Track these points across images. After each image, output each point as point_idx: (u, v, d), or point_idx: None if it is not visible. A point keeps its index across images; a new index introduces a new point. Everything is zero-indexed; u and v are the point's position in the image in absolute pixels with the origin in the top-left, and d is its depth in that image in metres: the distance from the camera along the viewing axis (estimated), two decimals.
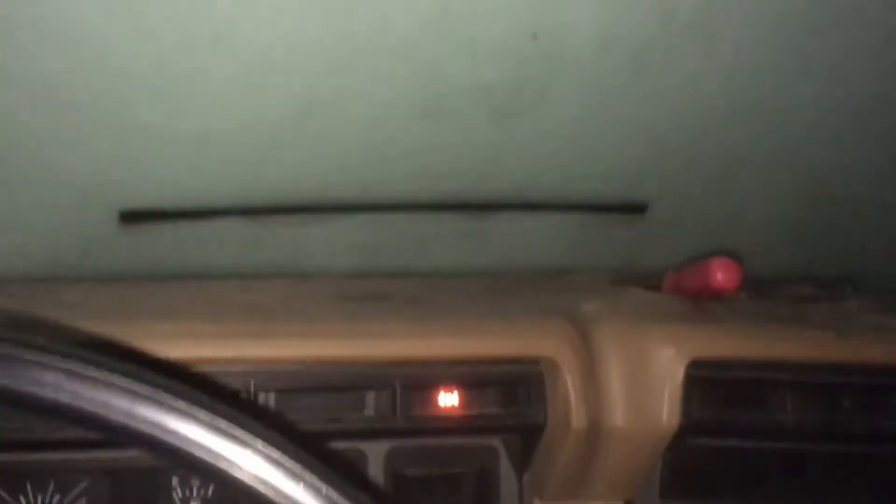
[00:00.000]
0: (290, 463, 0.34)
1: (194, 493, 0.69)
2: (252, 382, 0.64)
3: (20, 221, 0.76)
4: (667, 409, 0.66)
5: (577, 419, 0.66)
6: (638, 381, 0.67)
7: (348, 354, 0.66)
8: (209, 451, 0.33)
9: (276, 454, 0.34)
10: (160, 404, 0.32)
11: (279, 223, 0.81)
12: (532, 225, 0.85)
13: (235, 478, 0.34)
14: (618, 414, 0.66)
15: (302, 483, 0.33)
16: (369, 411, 0.67)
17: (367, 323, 0.68)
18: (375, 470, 0.71)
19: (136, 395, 0.33)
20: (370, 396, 0.67)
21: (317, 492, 0.33)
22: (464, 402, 0.67)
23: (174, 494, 0.69)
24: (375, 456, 0.71)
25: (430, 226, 0.84)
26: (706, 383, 0.67)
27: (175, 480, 0.68)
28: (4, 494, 0.66)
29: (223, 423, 0.33)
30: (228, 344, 0.64)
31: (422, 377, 0.67)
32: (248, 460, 0.33)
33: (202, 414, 0.32)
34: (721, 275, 0.68)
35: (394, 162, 0.80)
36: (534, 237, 0.86)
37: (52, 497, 0.66)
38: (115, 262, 0.80)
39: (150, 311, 0.68)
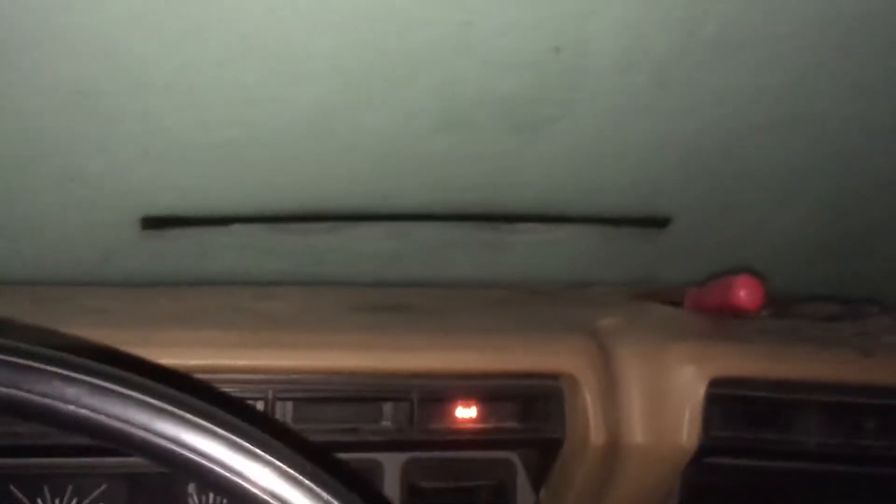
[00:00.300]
0: (307, 481, 0.33)
1: (210, 500, 0.69)
2: (270, 391, 0.64)
3: (43, 227, 0.76)
4: (687, 428, 0.66)
5: (596, 436, 0.66)
6: (658, 399, 0.66)
7: (366, 366, 0.66)
8: (225, 466, 0.33)
9: (292, 471, 0.33)
10: (178, 419, 0.32)
11: (298, 231, 0.81)
12: (552, 237, 0.85)
13: (251, 493, 0.33)
14: (637, 432, 0.66)
15: (319, 500, 0.33)
16: (386, 423, 0.67)
17: (386, 334, 0.68)
18: (392, 481, 0.71)
19: (154, 410, 0.33)
20: (387, 408, 0.67)
21: None
22: (481, 415, 0.67)
23: (190, 501, 0.69)
24: (392, 467, 0.71)
25: (449, 237, 0.84)
26: (727, 402, 0.67)
27: (192, 487, 0.69)
28: (24, 498, 0.66)
29: (240, 439, 0.33)
30: (247, 353, 0.64)
31: (439, 390, 0.66)
32: (263, 476, 0.33)
33: (220, 429, 0.32)
34: (744, 292, 0.68)
35: (413, 172, 0.80)
36: (553, 250, 0.85)
37: (70, 501, 0.67)
38: (136, 268, 0.80)
39: (171, 319, 0.68)
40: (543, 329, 0.70)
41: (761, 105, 0.75)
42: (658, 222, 0.85)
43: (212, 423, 0.32)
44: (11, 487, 0.66)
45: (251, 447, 0.32)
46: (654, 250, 0.86)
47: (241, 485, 0.33)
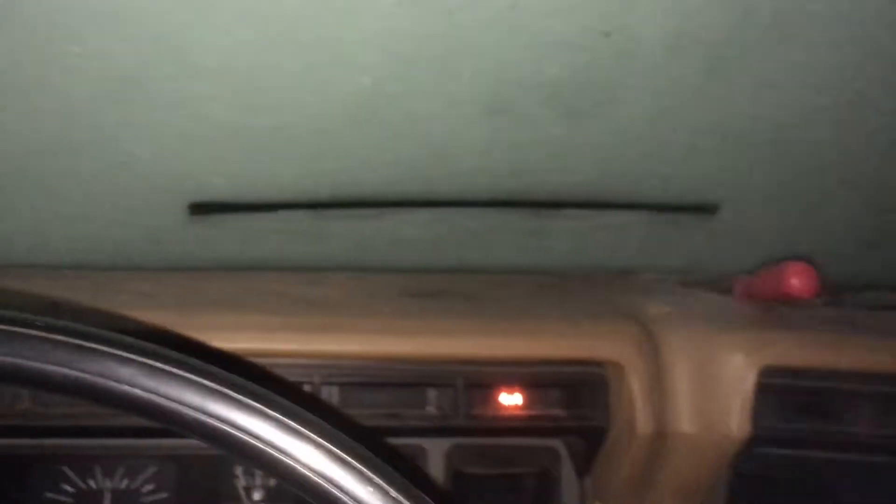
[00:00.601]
0: (358, 463, 0.33)
1: (257, 482, 0.70)
2: (316, 376, 0.65)
3: (93, 213, 0.77)
4: (736, 418, 0.65)
5: (642, 424, 0.65)
6: (707, 388, 0.65)
7: (412, 351, 0.66)
8: (277, 447, 0.33)
9: (344, 454, 0.33)
10: (231, 401, 0.32)
11: (343, 217, 0.81)
12: (597, 224, 0.84)
13: (302, 475, 0.34)
14: (685, 421, 0.65)
15: (370, 485, 0.33)
16: (431, 409, 0.67)
17: (431, 320, 0.68)
18: (436, 467, 0.71)
19: (208, 392, 0.33)
20: (432, 394, 0.67)
21: (384, 494, 0.33)
22: (526, 402, 0.67)
23: (237, 482, 0.70)
24: (436, 453, 0.71)
25: (494, 223, 0.84)
26: (778, 392, 0.66)
27: (238, 469, 0.69)
28: (76, 479, 0.68)
29: (293, 422, 0.33)
30: (294, 337, 0.65)
31: (484, 376, 0.66)
32: (315, 458, 0.33)
33: (273, 411, 0.32)
34: (797, 280, 0.66)
35: (459, 158, 0.79)
36: (599, 236, 0.84)
37: (121, 481, 0.68)
38: (183, 254, 0.81)
39: (218, 303, 0.69)
40: (590, 316, 0.69)
41: (816, 89, 0.73)
42: (706, 209, 0.83)
43: (265, 404, 0.32)
44: (64, 468, 0.68)
45: (303, 429, 0.32)
46: (702, 238, 0.85)
47: (292, 466, 0.33)
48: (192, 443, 0.68)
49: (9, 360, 0.31)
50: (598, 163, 0.80)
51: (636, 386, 0.65)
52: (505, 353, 0.66)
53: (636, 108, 0.75)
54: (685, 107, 0.75)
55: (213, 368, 0.33)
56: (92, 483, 0.67)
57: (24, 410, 0.61)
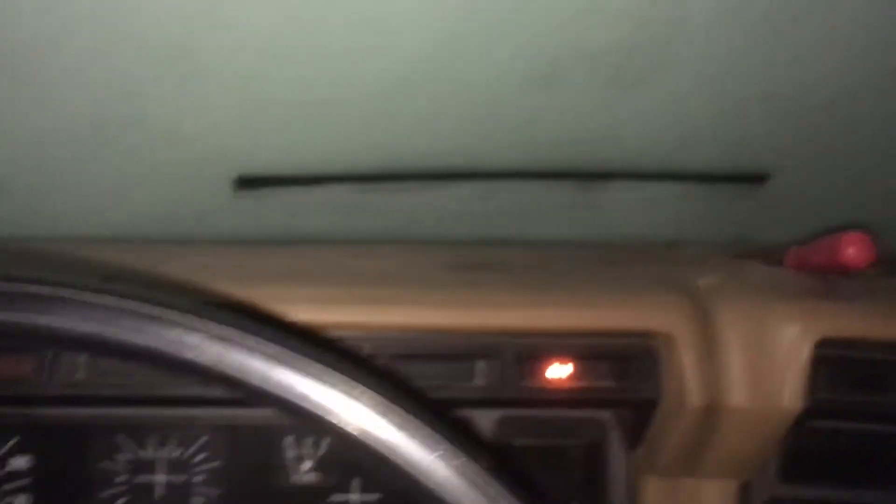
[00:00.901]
0: (424, 431, 0.33)
1: (306, 453, 0.71)
2: (365, 348, 0.65)
3: (140, 186, 0.78)
4: (790, 390, 0.64)
5: (693, 397, 0.64)
6: (760, 360, 0.64)
7: (460, 323, 0.66)
8: (341, 417, 0.33)
9: (409, 422, 0.33)
10: (297, 368, 0.32)
11: (389, 191, 0.81)
12: (646, 195, 0.83)
13: (365, 442, 0.34)
14: (737, 393, 0.64)
15: (436, 452, 0.33)
16: (479, 381, 0.66)
17: (479, 292, 0.68)
18: (484, 439, 0.71)
19: (273, 359, 0.33)
20: (480, 365, 0.66)
21: (449, 461, 0.33)
22: (575, 374, 0.66)
23: (287, 453, 0.71)
24: (484, 425, 0.71)
25: (540, 195, 0.83)
26: (834, 364, 0.64)
27: (290, 439, 0.70)
28: (130, 448, 0.69)
29: (357, 389, 0.33)
30: (342, 309, 0.65)
31: (533, 348, 0.66)
32: (378, 426, 0.33)
33: (337, 379, 0.32)
34: (853, 250, 0.64)
35: (505, 129, 0.78)
36: (648, 208, 0.83)
37: (173, 450, 0.69)
38: (229, 227, 0.82)
39: (266, 276, 0.70)
40: (640, 286, 0.68)
41: (872, 53, 0.71)
42: (757, 178, 0.82)
43: (327, 370, 0.32)
44: (119, 437, 0.69)
45: (371, 393, 0.32)
46: (753, 207, 0.83)
47: (359, 430, 0.33)
48: (243, 413, 0.69)
49: (90, 329, 0.31)
50: (646, 132, 0.79)
51: (687, 358, 0.64)
52: (555, 325, 0.65)
53: (685, 76, 0.73)
54: (735, 74, 0.74)
55: (279, 334, 0.33)
56: (145, 452, 0.69)
57: (81, 380, 0.62)
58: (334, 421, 0.33)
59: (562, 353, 0.66)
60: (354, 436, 0.33)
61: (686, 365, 0.64)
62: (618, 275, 0.73)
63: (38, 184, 0.76)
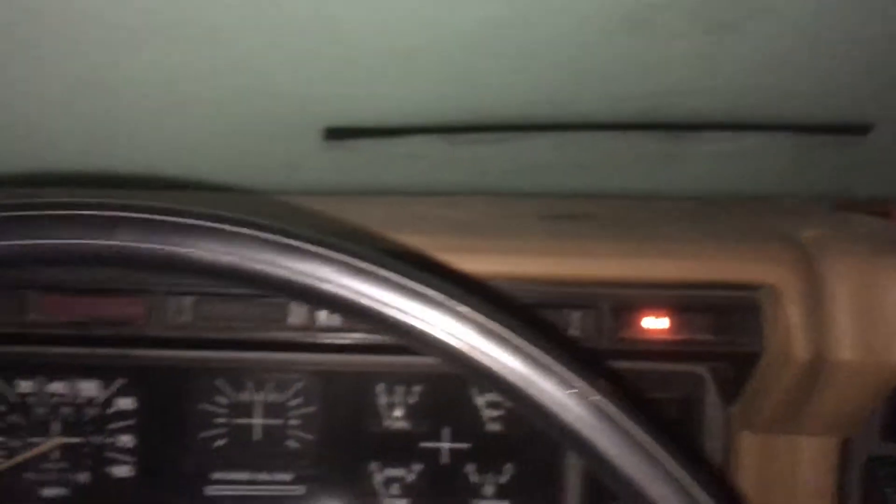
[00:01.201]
0: (557, 368, 0.33)
1: (397, 400, 0.71)
2: None
3: (230, 136, 0.79)
4: None
5: (799, 351, 0.62)
6: (868, 314, 0.62)
7: (555, 273, 0.65)
8: (472, 345, 0.33)
9: (542, 357, 0.33)
10: (436, 303, 0.32)
11: (475, 142, 0.80)
12: (740, 146, 0.80)
13: (500, 377, 0.33)
14: (844, 347, 0.62)
15: (570, 388, 0.33)
16: (574, 331, 0.66)
17: (575, 241, 0.67)
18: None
19: (404, 290, 0.33)
20: (576, 316, 0.66)
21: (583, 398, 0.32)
22: (673, 326, 0.65)
23: (379, 399, 0.71)
24: None
25: (629, 146, 0.81)
26: None
27: (382, 386, 0.71)
28: (229, 392, 0.70)
29: (480, 317, 0.33)
30: (439, 258, 0.64)
31: (630, 299, 0.65)
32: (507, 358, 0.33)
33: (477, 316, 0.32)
34: None
35: (593, 79, 0.76)
36: (742, 160, 0.81)
37: (270, 394, 0.70)
38: (318, 178, 0.82)
39: (361, 226, 0.70)
40: (740, 238, 0.67)
41: None
42: (858, 130, 0.79)
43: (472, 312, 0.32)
44: (217, 382, 0.70)
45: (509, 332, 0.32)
46: (854, 159, 0.80)
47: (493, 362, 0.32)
48: (338, 359, 0.69)
49: (227, 258, 0.31)
50: (742, 81, 0.76)
51: (794, 310, 0.62)
52: (653, 276, 0.64)
53: (783, 21, 0.70)
54: (838, 19, 0.71)
55: (410, 268, 0.33)
56: (243, 395, 0.70)
57: (186, 323, 0.63)
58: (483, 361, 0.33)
59: (660, 305, 0.65)
60: (493, 370, 0.33)
61: (792, 318, 0.63)
62: (717, 226, 0.71)
63: (132, 131, 0.77)
